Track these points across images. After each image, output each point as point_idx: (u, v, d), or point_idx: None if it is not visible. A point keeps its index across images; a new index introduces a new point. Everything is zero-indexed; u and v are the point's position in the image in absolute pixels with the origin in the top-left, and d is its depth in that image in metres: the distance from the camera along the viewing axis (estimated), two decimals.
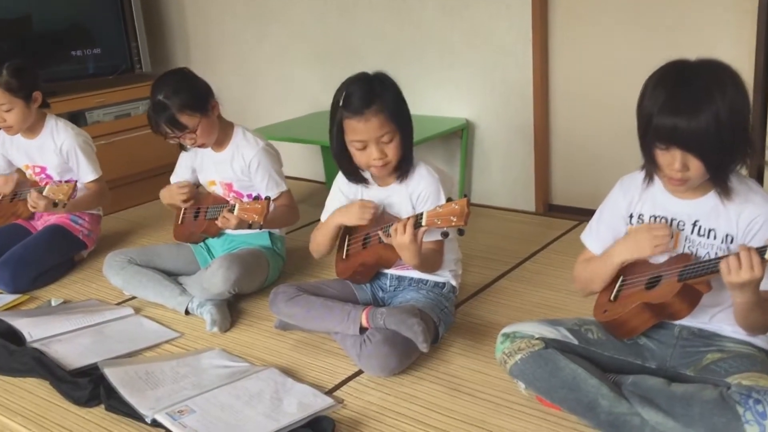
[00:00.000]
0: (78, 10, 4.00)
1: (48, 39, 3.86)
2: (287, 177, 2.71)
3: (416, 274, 2.21)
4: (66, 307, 2.60)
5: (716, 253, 1.63)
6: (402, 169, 2.11)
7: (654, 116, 1.51)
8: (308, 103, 3.93)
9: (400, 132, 2.03)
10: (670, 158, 1.54)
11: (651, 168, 1.62)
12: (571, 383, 1.67)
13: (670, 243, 1.64)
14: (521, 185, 3.40)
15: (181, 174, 2.74)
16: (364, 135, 1.99)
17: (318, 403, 1.89)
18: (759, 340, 1.70)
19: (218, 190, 2.65)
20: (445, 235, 1.97)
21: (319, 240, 2.25)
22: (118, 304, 2.63)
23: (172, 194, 2.67)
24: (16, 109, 2.76)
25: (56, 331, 2.34)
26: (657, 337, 1.77)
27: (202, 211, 2.62)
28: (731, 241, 1.62)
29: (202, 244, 2.72)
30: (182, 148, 2.66)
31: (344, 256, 2.26)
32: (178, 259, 2.67)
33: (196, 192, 2.70)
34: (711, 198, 1.63)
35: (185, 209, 2.70)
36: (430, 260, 2.09)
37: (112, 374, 2.02)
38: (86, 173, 2.91)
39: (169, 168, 2.80)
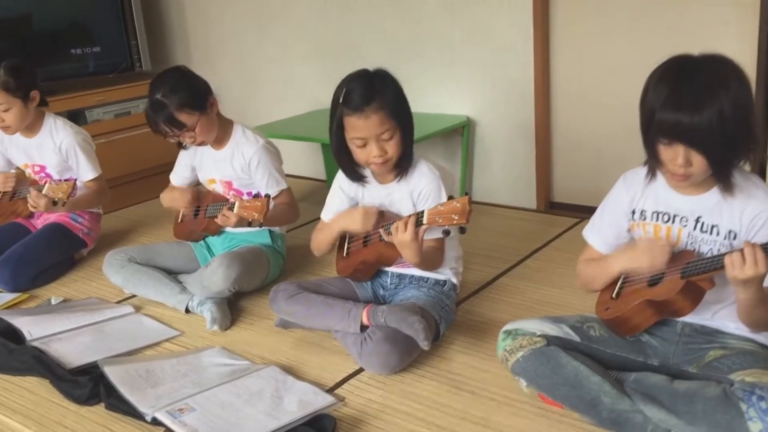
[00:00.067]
0: (78, 9, 4.00)
1: (48, 37, 3.85)
2: (288, 175, 2.70)
3: (417, 272, 2.20)
4: (66, 306, 2.60)
5: (719, 250, 1.62)
6: (402, 166, 2.10)
7: (657, 111, 1.50)
8: (309, 100, 3.92)
9: (401, 129, 2.02)
10: (673, 153, 1.53)
11: (654, 163, 1.61)
12: (573, 380, 1.66)
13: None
14: (522, 183, 3.39)
15: (180, 172, 2.74)
16: (365, 132, 1.98)
17: (319, 401, 1.88)
18: (762, 337, 1.69)
19: (218, 188, 2.65)
20: (447, 233, 1.96)
21: (320, 240, 2.25)
22: (118, 302, 2.63)
23: (173, 199, 2.65)
24: (14, 108, 2.75)
25: (56, 329, 2.33)
26: (659, 334, 1.77)
27: (202, 210, 2.62)
28: (734, 238, 1.61)
29: (202, 242, 2.71)
30: (181, 146, 2.65)
31: (345, 254, 2.26)
32: (178, 258, 2.66)
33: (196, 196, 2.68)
34: (714, 194, 1.62)
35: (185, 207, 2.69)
36: (431, 258, 2.08)
37: (112, 373, 2.02)
38: (86, 172, 2.90)
39: (169, 166, 2.79)
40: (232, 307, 2.49)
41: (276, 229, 2.68)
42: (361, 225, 2.09)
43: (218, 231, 2.64)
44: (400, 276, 2.24)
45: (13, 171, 3.03)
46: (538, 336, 1.75)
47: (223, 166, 2.59)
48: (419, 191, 2.10)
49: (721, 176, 1.56)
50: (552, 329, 1.77)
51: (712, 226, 1.63)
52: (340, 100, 2.00)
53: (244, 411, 1.84)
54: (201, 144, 2.54)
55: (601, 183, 2.63)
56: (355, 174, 2.15)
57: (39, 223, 3.01)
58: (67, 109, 3.73)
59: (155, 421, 1.82)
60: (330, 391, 1.97)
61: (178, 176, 2.75)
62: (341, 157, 2.11)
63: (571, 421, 1.75)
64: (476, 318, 2.34)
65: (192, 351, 2.23)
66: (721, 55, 1.52)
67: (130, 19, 4.06)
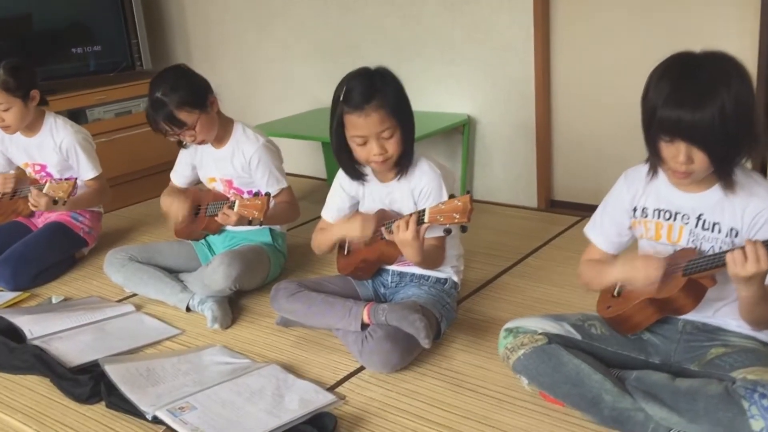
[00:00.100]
0: (78, 8, 4.00)
1: (48, 36, 3.85)
2: (288, 174, 2.70)
3: (418, 270, 2.20)
4: (67, 305, 2.60)
5: (720, 247, 1.61)
6: (402, 164, 2.09)
7: (658, 108, 1.50)
8: (309, 99, 3.92)
9: (401, 127, 2.01)
10: (675, 151, 1.52)
11: (655, 161, 1.61)
12: (575, 378, 1.66)
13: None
14: (523, 181, 3.38)
15: (181, 171, 2.73)
16: (365, 130, 1.98)
17: (320, 399, 1.88)
18: (763, 335, 1.68)
19: (218, 187, 2.64)
20: (448, 231, 1.96)
21: (321, 242, 2.25)
22: (119, 301, 2.63)
23: (170, 209, 2.59)
24: (14, 108, 2.74)
25: (57, 328, 2.33)
26: (661, 332, 1.76)
27: (203, 208, 2.61)
28: (736, 235, 1.61)
29: (203, 241, 2.71)
30: (181, 145, 2.64)
31: (346, 253, 2.26)
32: (179, 256, 2.66)
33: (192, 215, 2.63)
34: (715, 191, 1.61)
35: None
36: (432, 256, 2.08)
37: (112, 371, 2.02)
38: (86, 171, 2.90)
39: (170, 165, 2.78)
40: (233, 306, 2.49)
41: (277, 227, 2.67)
42: (360, 232, 2.08)
43: (219, 230, 2.64)
44: (401, 274, 2.23)
45: (12, 171, 3.03)
46: (540, 334, 1.74)
47: (223, 164, 2.59)
48: (420, 189, 2.10)
49: (723, 174, 1.56)
50: (553, 327, 1.77)
51: (714, 224, 1.62)
52: (341, 98, 2.00)
53: (245, 409, 1.83)
54: (201, 143, 2.53)
55: (601, 181, 2.62)
56: (356, 172, 2.15)
57: (40, 222, 3.00)
58: (67, 108, 3.73)
59: (156, 420, 1.81)
60: (331, 389, 1.96)
61: (179, 175, 2.74)
62: (341, 156, 2.11)
63: (573, 419, 1.74)
64: (477, 316, 2.34)
65: (193, 349, 2.23)
66: (723, 52, 1.52)
67: (131, 17, 4.06)
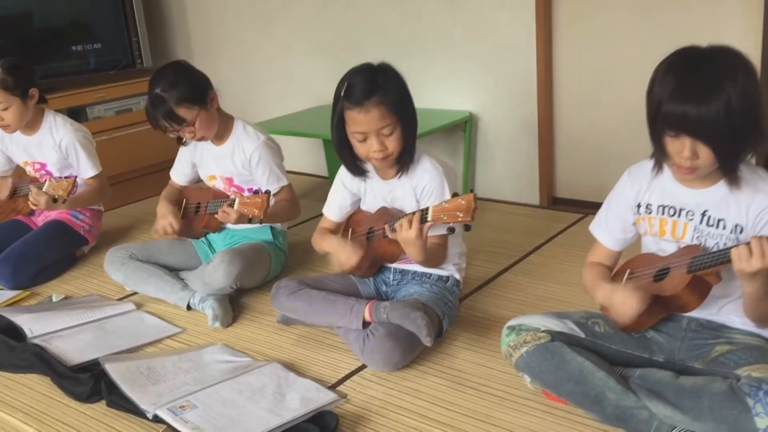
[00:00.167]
0: (78, 6, 3.99)
1: (48, 34, 3.84)
2: (289, 171, 2.69)
3: (420, 268, 2.18)
4: (67, 303, 2.59)
5: (725, 244, 1.60)
6: (403, 162, 2.08)
7: (664, 103, 1.49)
8: (310, 97, 3.91)
9: (402, 124, 2.00)
10: (680, 146, 1.51)
11: (660, 156, 1.60)
12: (578, 376, 1.65)
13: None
14: (525, 178, 3.37)
15: (180, 169, 2.72)
16: (365, 126, 1.97)
17: (321, 397, 1.87)
18: None
19: (219, 185, 2.63)
20: (451, 230, 1.94)
21: (319, 244, 2.25)
22: (120, 299, 2.62)
23: (165, 219, 2.54)
24: (12, 107, 2.73)
25: (57, 326, 2.32)
26: (665, 329, 1.75)
27: (203, 206, 2.60)
28: (741, 231, 1.59)
29: (203, 239, 2.70)
30: (180, 142, 2.63)
31: None
32: (179, 255, 2.65)
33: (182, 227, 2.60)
34: (720, 187, 1.60)
35: (186, 205, 2.67)
36: (435, 255, 2.06)
37: (113, 370, 2.01)
38: (86, 169, 2.89)
39: (171, 164, 2.77)
40: (234, 304, 2.48)
41: (277, 225, 2.66)
42: (342, 260, 2.07)
43: (219, 228, 2.63)
44: (403, 272, 2.22)
45: (10, 173, 3.02)
46: (542, 332, 1.73)
47: (223, 162, 2.58)
48: (422, 187, 2.08)
49: (728, 169, 1.54)
50: (556, 325, 1.76)
51: (719, 220, 1.61)
52: (342, 94, 1.99)
53: (246, 408, 1.83)
54: (201, 139, 2.52)
55: (603, 178, 2.61)
56: (357, 168, 2.14)
57: (40, 220, 3.00)
58: (68, 106, 3.72)
59: (157, 419, 1.80)
60: (332, 387, 1.95)
61: (179, 173, 2.73)
62: (343, 151, 2.10)
63: (576, 417, 1.74)
64: (479, 314, 2.33)
65: (193, 348, 2.23)
66: (729, 47, 1.50)
67: (131, 15, 4.05)
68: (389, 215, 2.10)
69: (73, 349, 2.18)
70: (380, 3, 3.52)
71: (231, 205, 2.30)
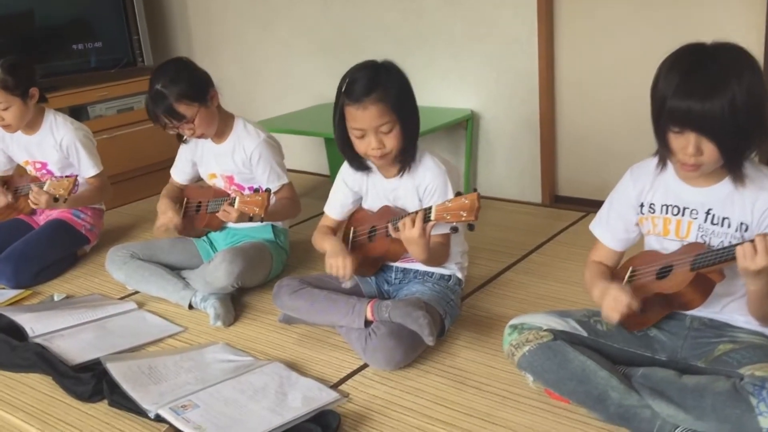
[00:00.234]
0: (79, 4, 3.99)
1: (49, 33, 3.84)
2: (290, 170, 2.68)
3: (422, 267, 2.18)
4: (69, 302, 2.59)
5: (730, 242, 1.59)
6: (403, 161, 2.07)
7: (668, 99, 1.48)
8: (311, 95, 3.90)
9: (401, 123, 1.98)
10: (684, 142, 1.50)
11: (664, 152, 1.59)
12: (581, 375, 1.65)
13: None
14: (527, 176, 3.36)
15: (181, 167, 2.72)
16: (363, 123, 1.96)
17: (323, 397, 1.87)
18: None
19: (219, 183, 2.63)
20: (455, 230, 1.94)
21: (320, 244, 2.24)
22: (121, 298, 2.62)
23: (166, 215, 2.58)
24: (13, 107, 2.73)
25: (59, 326, 2.32)
26: (667, 328, 1.75)
27: (203, 205, 2.60)
28: (746, 230, 1.59)
29: (204, 238, 2.70)
30: (180, 139, 2.63)
31: (349, 249, 2.24)
32: (181, 254, 2.65)
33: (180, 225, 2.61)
34: (725, 185, 1.59)
35: (186, 204, 2.67)
36: (437, 254, 2.06)
37: (114, 369, 2.01)
38: (87, 168, 2.88)
39: (172, 162, 2.77)
40: (236, 303, 2.47)
41: (279, 224, 2.66)
42: (334, 268, 2.05)
43: (220, 226, 2.63)
44: (405, 271, 2.22)
45: (11, 172, 3.02)
46: (545, 330, 1.73)
47: (224, 160, 2.57)
48: (425, 186, 2.08)
49: (733, 166, 1.54)
50: (558, 324, 1.75)
51: (723, 218, 1.60)
52: (343, 90, 1.99)
53: (248, 407, 1.82)
54: (200, 136, 2.52)
55: (606, 176, 2.60)
56: (360, 164, 2.13)
57: (41, 219, 2.99)
58: (69, 104, 3.72)
59: (158, 418, 1.80)
60: (334, 387, 1.95)
61: (179, 171, 2.73)
62: (345, 147, 2.09)
63: (578, 416, 1.73)
64: (481, 313, 2.32)
65: (195, 347, 2.22)
66: (733, 44, 1.50)
67: (132, 14, 4.05)
68: (391, 214, 2.09)
69: (75, 349, 2.18)
70: (381, 0, 3.51)
71: (232, 204, 2.30)
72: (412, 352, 2.01)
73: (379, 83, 1.95)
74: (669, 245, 1.69)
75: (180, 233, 2.71)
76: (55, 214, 2.94)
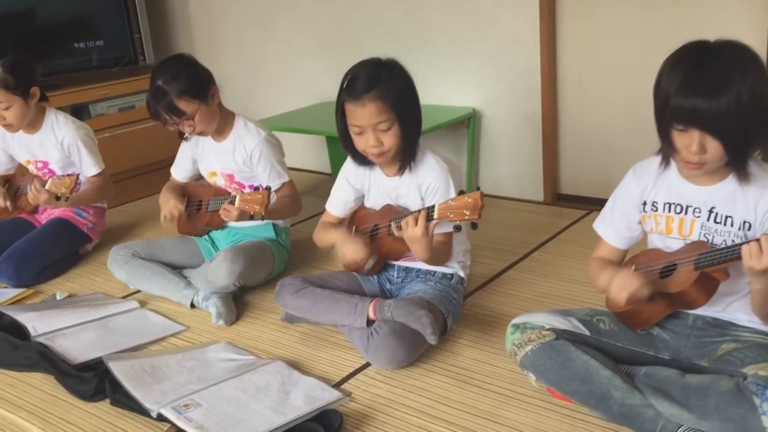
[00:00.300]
0: (80, 3, 3.98)
1: (51, 31, 3.84)
2: (292, 168, 2.68)
3: (424, 266, 2.18)
4: (71, 301, 2.59)
5: (733, 241, 1.59)
6: (402, 159, 2.07)
7: (672, 97, 1.47)
8: (313, 93, 3.90)
9: (400, 122, 1.98)
10: (688, 140, 1.50)
11: (667, 151, 1.58)
12: (583, 375, 1.64)
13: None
14: (529, 175, 3.36)
15: (182, 165, 2.72)
16: (361, 120, 1.96)
17: (325, 396, 1.87)
18: None
19: (219, 182, 2.63)
20: (458, 228, 1.93)
21: (322, 239, 2.25)
22: (124, 297, 2.62)
23: (168, 205, 2.59)
24: (14, 106, 2.72)
25: (61, 325, 2.32)
26: (670, 327, 1.74)
27: (204, 204, 2.60)
28: (749, 228, 1.58)
29: (206, 237, 2.70)
30: (181, 136, 2.63)
31: None
32: (182, 253, 2.65)
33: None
34: (728, 184, 1.59)
35: (187, 203, 2.67)
36: (440, 253, 2.05)
37: (117, 368, 2.00)
38: (89, 167, 2.88)
39: (173, 161, 2.77)
40: (238, 302, 2.47)
41: (280, 222, 2.66)
42: (348, 256, 2.06)
43: (221, 225, 2.63)
44: (407, 270, 2.21)
45: (12, 171, 3.02)
46: (547, 330, 1.73)
47: (224, 158, 2.57)
48: (427, 185, 2.07)
49: (737, 164, 1.53)
50: (561, 323, 1.75)
51: (726, 217, 1.60)
52: (344, 86, 1.98)
53: (250, 406, 1.82)
54: (200, 134, 2.52)
55: (608, 174, 2.60)
56: (363, 158, 2.12)
57: (43, 218, 2.99)
58: (70, 103, 3.72)
59: (161, 417, 1.80)
60: (336, 386, 1.95)
61: (179, 169, 2.73)
62: (346, 143, 2.09)
63: (581, 416, 1.73)
64: (484, 311, 2.32)
65: (197, 346, 2.22)
66: (737, 42, 1.49)
67: (133, 12, 4.04)
68: (394, 212, 2.09)
69: (77, 348, 2.18)
70: None
71: (232, 203, 2.30)
72: (414, 351, 2.00)
73: (379, 81, 1.95)
74: (672, 244, 1.69)
75: (181, 232, 2.71)
76: (56, 212, 2.94)
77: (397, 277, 2.23)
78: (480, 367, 1.99)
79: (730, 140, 1.47)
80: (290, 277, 2.22)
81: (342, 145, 2.12)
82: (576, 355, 1.67)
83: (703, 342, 1.69)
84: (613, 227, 1.81)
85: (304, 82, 3.97)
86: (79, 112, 3.74)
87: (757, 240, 1.43)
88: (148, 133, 3.90)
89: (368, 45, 3.57)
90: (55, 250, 2.84)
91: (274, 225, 2.64)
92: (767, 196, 1.55)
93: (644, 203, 1.73)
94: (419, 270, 2.19)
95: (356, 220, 2.26)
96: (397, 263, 2.22)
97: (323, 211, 2.33)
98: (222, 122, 2.54)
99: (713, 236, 1.62)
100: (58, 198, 2.62)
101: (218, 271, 2.36)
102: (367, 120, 1.95)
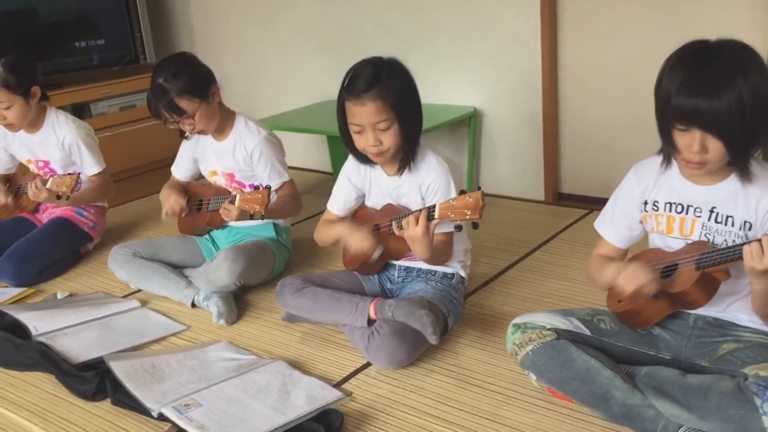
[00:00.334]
0: (81, 1, 3.98)
1: (52, 30, 3.83)
2: (293, 168, 2.68)
3: (425, 265, 2.17)
4: (72, 300, 2.59)
5: (734, 241, 1.59)
6: (403, 159, 2.07)
7: (673, 97, 1.47)
8: (314, 92, 3.90)
9: (400, 122, 1.98)
10: (689, 139, 1.50)
11: (669, 150, 1.58)
12: (584, 375, 1.64)
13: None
14: (530, 174, 3.36)
15: (182, 164, 2.72)
16: (360, 119, 1.96)
17: (326, 396, 1.87)
18: None
19: (220, 181, 2.63)
20: (459, 228, 1.93)
21: (324, 235, 2.24)
22: (124, 296, 2.62)
23: (169, 200, 2.59)
24: (15, 106, 2.72)
25: (62, 324, 2.32)
26: (671, 327, 1.74)
27: (205, 203, 2.60)
28: (749, 228, 1.58)
29: (207, 236, 2.70)
30: (182, 135, 2.63)
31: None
32: (183, 252, 2.65)
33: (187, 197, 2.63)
34: (729, 184, 1.59)
35: (188, 202, 2.67)
36: (440, 252, 2.05)
37: (118, 368, 2.01)
38: (90, 166, 2.88)
39: (174, 160, 2.77)
40: (239, 301, 2.47)
41: (281, 222, 2.66)
42: (357, 244, 2.06)
43: (222, 224, 2.63)
44: (408, 269, 2.21)
45: (13, 170, 3.02)
46: (548, 329, 1.73)
47: (225, 157, 2.57)
48: (428, 184, 2.07)
49: (739, 164, 1.53)
50: (562, 322, 1.74)
51: (727, 217, 1.60)
52: (344, 85, 1.98)
53: (251, 406, 1.82)
54: (200, 132, 2.52)
55: (609, 174, 2.59)
56: (364, 157, 2.11)
57: (44, 217, 2.99)
58: (71, 102, 3.72)
59: (162, 417, 1.80)
60: (337, 385, 1.95)
61: (180, 168, 2.73)
62: (347, 141, 2.08)
63: (582, 416, 1.73)
64: (485, 311, 2.32)
65: (198, 345, 2.22)
66: (738, 41, 1.49)
67: (134, 11, 4.04)
68: (395, 212, 2.09)
69: (78, 347, 2.18)
70: None
71: (232, 202, 2.30)
72: (415, 350, 2.00)
73: (380, 80, 1.95)
74: (673, 243, 1.69)
75: (182, 232, 2.72)
76: (58, 212, 2.94)
77: (398, 277, 2.23)
78: (481, 366, 1.99)
79: (732, 140, 1.46)
80: (291, 276, 2.22)
81: (343, 143, 2.12)
82: (577, 355, 1.67)
83: (703, 342, 1.69)
84: (613, 227, 1.81)
85: (304, 81, 3.97)
86: (80, 111, 3.74)
87: (759, 240, 1.43)
88: (149, 132, 3.91)
89: (369, 45, 3.57)
90: (56, 250, 2.84)
91: (274, 224, 2.64)
92: None
93: (645, 203, 1.73)
94: (420, 269, 2.19)
95: (357, 219, 2.25)
96: (397, 263, 2.22)
97: (324, 210, 2.32)
98: (222, 121, 2.54)
99: (714, 236, 1.62)
100: (58, 197, 2.63)
101: (219, 270, 2.36)
102: (367, 119, 1.95)
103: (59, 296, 2.64)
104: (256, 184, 2.52)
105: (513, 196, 3.41)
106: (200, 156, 2.66)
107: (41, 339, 2.22)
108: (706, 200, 1.62)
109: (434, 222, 1.87)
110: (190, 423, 1.75)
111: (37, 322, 2.31)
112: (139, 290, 2.63)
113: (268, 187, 2.26)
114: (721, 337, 1.68)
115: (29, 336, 2.25)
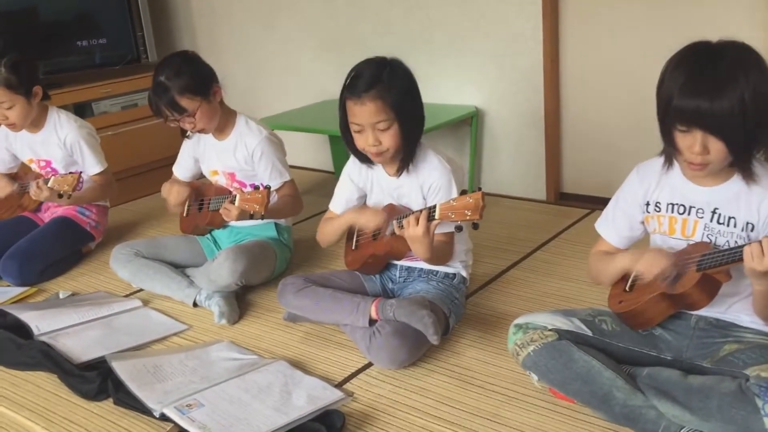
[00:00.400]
0: (83, 1, 3.97)
1: (54, 30, 3.83)
2: (295, 167, 2.69)
3: (426, 266, 2.18)
4: (74, 300, 2.59)
5: (736, 242, 1.59)
6: (403, 160, 2.07)
7: (674, 98, 1.47)
8: (315, 91, 3.89)
9: (400, 122, 1.98)
10: (691, 140, 1.49)
11: (670, 151, 1.58)
12: (586, 375, 1.64)
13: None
14: (532, 174, 3.36)
15: (183, 164, 2.72)
16: (360, 119, 1.97)
17: (328, 396, 1.87)
18: None
19: (221, 180, 2.63)
20: (459, 229, 1.93)
21: (327, 231, 2.23)
22: (126, 296, 2.62)
23: (172, 192, 2.62)
24: (17, 105, 2.72)
25: (64, 324, 2.33)
26: (673, 327, 1.74)
27: (205, 203, 2.60)
28: (752, 230, 1.58)
29: (208, 236, 2.70)
30: (184, 134, 2.63)
31: (354, 247, 2.24)
32: (185, 252, 2.65)
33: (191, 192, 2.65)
34: (731, 185, 1.59)
35: (189, 202, 2.67)
36: (441, 252, 2.05)
37: (120, 367, 2.01)
38: (91, 166, 2.88)
39: (176, 159, 2.77)
40: (240, 301, 2.47)
41: (282, 221, 2.66)
42: (371, 219, 2.06)
43: (223, 224, 2.63)
44: (409, 269, 2.22)
45: (15, 170, 3.02)
46: (550, 330, 1.72)
47: (225, 156, 2.57)
48: (429, 184, 2.07)
49: (741, 165, 1.53)
50: (563, 323, 1.74)
51: (730, 218, 1.59)
52: (346, 84, 1.99)
53: (253, 406, 1.82)
54: (201, 131, 2.52)
55: (611, 174, 2.59)
56: (364, 156, 2.12)
57: (46, 216, 3.00)
58: (73, 101, 3.72)
59: (163, 417, 1.80)
60: (339, 386, 1.95)
61: (181, 167, 2.73)
62: (348, 140, 2.08)
63: (583, 416, 1.73)
64: (486, 311, 2.32)
65: (200, 345, 2.22)
66: (740, 42, 1.48)
67: (136, 10, 4.04)
68: (396, 212, 2.09)
69: (80, 347, 2.19)
70: None
71: (232, 202, 2.30)
72: (416, 351, 2.00)
73: (381, 80, 1.95)
74: (674, 244, 1.69)
75: (183, 231, 2.72)
76: (59, 211, 2.94)
77: (399, 277, 2.23)
78: (482, 367, 1.99)
79: (734, 141, 1.46)
80: (292, 276, 2.23)
81: (344, 142, 2.12)
82: (578, 356, 1.67)
83: (705, 343, 1.69)
84: (614, 227, 1.81)
85: (305, 80, 3.96)
86: (81, 110, 3.74)
87: (759, 242, 1.43)
88: (150, 131, 3.90)
89: (370, 43, 3.57)
90: (58, 249, 2.85)
91: (276, 224, 2.64)
92: None
93: (647, 204, 1.72)
94: (421, 270, 2.19)
95: None
96: (399, 263, 2.22)
97: (325, 210, 2.32)
98: (223, 120, 2.54)
99: (716, 237, 1.61)
100: (60, 196, 2.63)
101: (220, 270, 2.36)
102: (366, 119, 1.96)
103: (61, 296, 2.64)
104: (256, 183, 2.52)
105: (515, 196, 3.41)
106: (201, 155, 2.66)
107: (43, 339, 2.23)
108: (709, 201, 1.62)
109: (435, 222, 1.87)
110: (192, 423, 1.75)
111: (39, 322, 2.31)
112: (141, 290, 2.63)
113: (268, 187, 2.26)
114: (722, 338, 1.67)
115: (31, 336, 2.26)
